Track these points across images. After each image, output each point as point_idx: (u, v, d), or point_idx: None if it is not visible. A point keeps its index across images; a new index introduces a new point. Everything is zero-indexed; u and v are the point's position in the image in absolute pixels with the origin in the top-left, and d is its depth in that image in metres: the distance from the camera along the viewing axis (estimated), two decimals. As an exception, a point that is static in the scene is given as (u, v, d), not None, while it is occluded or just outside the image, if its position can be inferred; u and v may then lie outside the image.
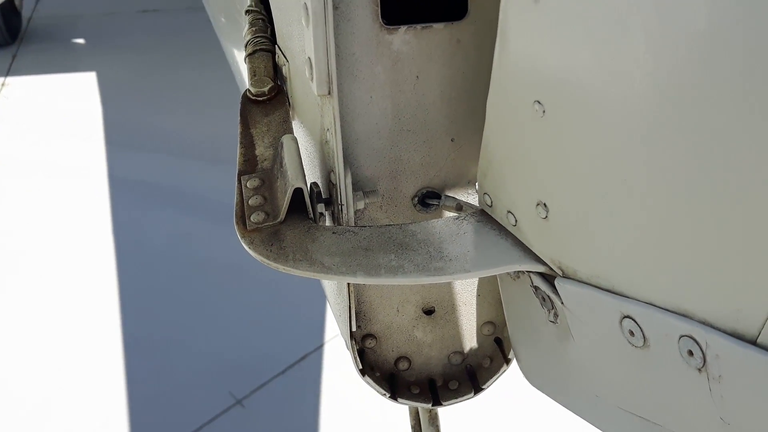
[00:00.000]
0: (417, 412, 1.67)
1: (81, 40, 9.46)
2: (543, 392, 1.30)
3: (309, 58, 1.17)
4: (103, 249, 5.16)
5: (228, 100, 7.15)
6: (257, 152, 1.34)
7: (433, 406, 1.49)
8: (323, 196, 1.31)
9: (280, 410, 3.98)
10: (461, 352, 1.52)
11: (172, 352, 4.26)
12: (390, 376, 1.50)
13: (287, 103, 1.46)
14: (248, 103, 1.45)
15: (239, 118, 1.41)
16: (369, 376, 1.44)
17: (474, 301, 1.48)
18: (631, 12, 0.79)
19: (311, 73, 1.18)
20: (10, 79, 8.11)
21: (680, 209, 0.83)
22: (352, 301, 1.35)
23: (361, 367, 1.43)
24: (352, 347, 1.41)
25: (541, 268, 1.10)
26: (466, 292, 1.48)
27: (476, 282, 1.46)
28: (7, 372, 4.13)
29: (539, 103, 0.95)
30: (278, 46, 1.50)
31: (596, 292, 0.99)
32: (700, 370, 0.87)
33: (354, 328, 1.38)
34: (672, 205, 0.84)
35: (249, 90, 1.46)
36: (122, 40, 9.41)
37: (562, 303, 1.07)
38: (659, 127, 0.82)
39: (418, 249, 1.13)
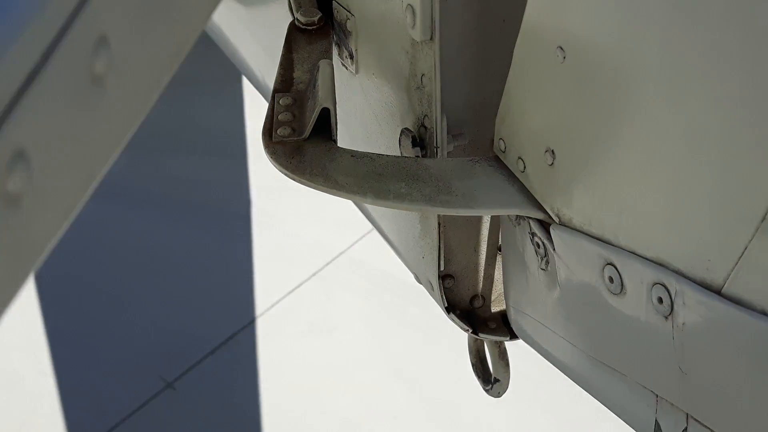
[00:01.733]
0: (478, 351, 1.70)
1: None
2: (522, 339, 1.36)
3: (410, 5, 1.22)
4: None
5: None
6: (295, 75, 1.41)
7: (511, 339, 1.53)
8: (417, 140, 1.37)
9: (212, 391, 4.00)
10: None
11: (96, 340, 4.22)
12: (467, 313, 1.55)
13: (331, 36, 1.52)
14: (295, 30, 1.51)
15: (284, 44, 1.48)
16: (452, 312, 1.50)
17: None
18: None
19: (414, 20, 1.23)
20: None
21: (668, 165, 0.89)
22: (442, 242, 1.41)
23: (446, 305, 1.48)
24: (440, 286, 1.46)
25: (540, 215, 1.15)
26: None
27: (499, 222, 1.50)
28: None
29: (561, 48, 1.00)
30: (336, 2, 1.55)
31: (585, 240, 1.05)
32: (666, 317, 0.92)
33: (443, 267, 1.43)
34: (658, 160, 0.90)
35: (298, 19, 1.52)
36: None
37: (554, 249, 1.12)
38: (665, 86, 0.87)
39: (429, 181, 1.19)
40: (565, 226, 1.09)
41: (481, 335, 1.52)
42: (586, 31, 0.96)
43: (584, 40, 0.97)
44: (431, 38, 1.23)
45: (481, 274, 1.52)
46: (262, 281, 4.64)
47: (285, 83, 1.39)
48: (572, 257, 1.09)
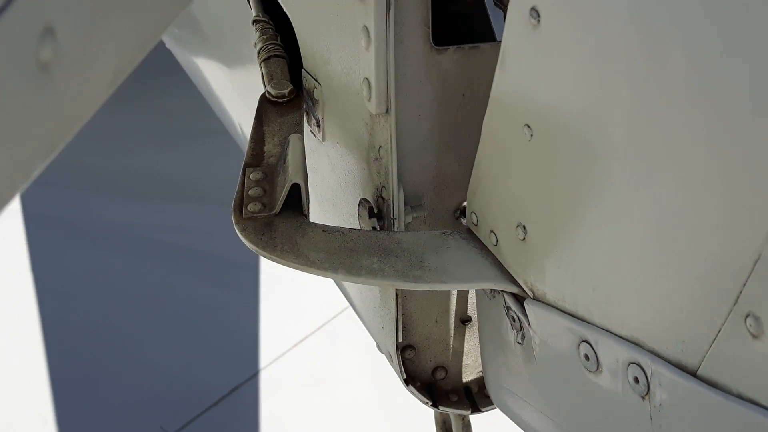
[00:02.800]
0: (443, 422, 1.69)
1: None
2: (502, 411, 1.34)
3: (367, 78, 1.24)
4: (21, 287, 5.02)
5: (141, 135, 7.09)
6: (266, 148, 1.40)
7: (472, 412, 1.52)
8: (375, 211, 1.37)
9: None
10: None
11: (100, 389, 4.20)
12: (428, 385, 1.54)
13: (302, 108, 1.53)
14: (266, 103, 1.52)
15: (255, 116, 1.48)
16: (412, 384, 1.48)
17: None
18: (621, 47, 0.84)
19: (369, 94, 1.24)
20: None
21: (639, 243, 0.88)
22: (400, 313, 1.40)
23: (405, 377, 1.47)
24: (398, 358, 1.45)
25: (514, 289, 1.14)
26: None
27: (474, 296, 1.50)
28: None
29: (528, 126, 1.00)
30: (305, 71, 1.56)
31: (559, 316, 1.03)
32: (643, 397, 0.91)
33: (401, 339, 1.43)
34: (632, 238, 0.89)
35: (269, 92, 1.52)
36: None
37: (529, 324, 1.11)
38: (632, 164, 0.86)
39: (401, 256, 1.18)
40: (539, 301, 1.08)
41: (442, 408, 1.51)
42: (553, 110, 0.96)
43: (551, 119, 0.97)
44: (387, 111, 1.24)
45: (443, 345, 1.51)
46: (267, 333, 4.64)
47: (255, 157, 1.39)
48: (547, 333, 1.07)
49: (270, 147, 1.41)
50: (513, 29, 1.00)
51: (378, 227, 1.36)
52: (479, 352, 1.51)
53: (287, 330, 4.65)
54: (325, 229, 1.24)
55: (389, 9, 1.17)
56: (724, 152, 0.75)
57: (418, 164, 1.32)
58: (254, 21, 1.64)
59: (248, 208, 1.26)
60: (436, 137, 1.31)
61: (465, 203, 1.37)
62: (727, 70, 0.72)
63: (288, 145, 1.33)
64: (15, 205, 6.01)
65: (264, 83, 1.55)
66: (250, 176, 1.33)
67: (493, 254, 1.18)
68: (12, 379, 4.26)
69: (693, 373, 0.84)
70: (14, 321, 4.73)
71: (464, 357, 1.53)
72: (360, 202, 1.40)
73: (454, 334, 1.51)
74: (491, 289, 1.21)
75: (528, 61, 0.99)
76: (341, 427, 4.10)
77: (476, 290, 1.31)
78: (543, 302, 1.08)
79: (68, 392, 4.17)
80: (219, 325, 4.68)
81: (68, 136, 0.79)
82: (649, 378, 0.89)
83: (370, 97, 1.24)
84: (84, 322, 4.68)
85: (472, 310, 1.51)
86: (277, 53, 1.57)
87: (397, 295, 1.37)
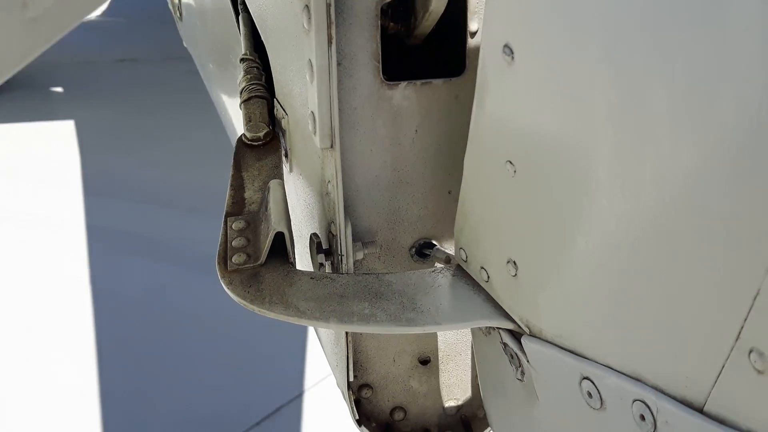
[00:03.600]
0: None
1: (59, 89, 9.49)
2: None
3: (312, 112, 1.21)
4: (78, 299, 5.11)
5: (205, 150, 7.22)
6: (246, 195, 1.38)
7: None
8: (324, 247, 1.34)
9: None
10: (456, 402, 1.53)
11: (145, 404, 4.22)
12: (386, 426, 1.51)
13: (281, 150, 1.50)
14: (243, 147, 1.49)
15: (232, 161, 1.45)
16: (365, 426, 1.45)
17: (469, 351, 1.49)
18: (596, 80, 0.81)
19: (314, 127, 1.21)
20: (-13, 127, 8.14)
21: (637, 279, 0.85)
22: (350, 352, 1.37)
23: (357, 417, 1.44)
24: (349, 397, 1.42)
25: (510, 326, 1.11)
26: (461, 342, 1.49)
27: (470, 331, 1.47)
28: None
29: (511, 163, 0.98)
30: (277, 100, 1.54)
31: (559, 353, 1.01)
32: None
33: (351, 378, 1.40)
34: (629, 275, 0.86)
35: (244, 135, 1.49)
36: (100, 89, 9.44)
37: (528, 361, 1.08)
38: (622, 196, 0.84)
39: (392, 299, 1.15)
40: (536, 337, 1.06)
41: None
42: (534, 146, 0.94)
43: (532, 155, 0.94)
44: (332, 146, 1.21)
45: (402, 385, 1.49)
46: (312, 355, 4.61)
47: (236, 205, 1.36)
48: (547, 370, 1.05)
49: (250, 193, 1.38)
50: (487, 66, 0.98)
51: (326, 263, 1.33)
52: (438, 393, 1.49)
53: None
54: (312, 276, 1.21)
55: (331, 43, 1.14)
56: (718, 186, 0.73)
57: (371, 200, 1.31)
58: (241, 59, 1.62)
59: (233, 260, 1.23)
60: (389, 173, 1.29)
61: (420, 240, 1.35)
62: (708, 94, 0.70)
63: (268, 191, 1.30)
64: (79, 217, 6.20)
65: (243, 126, 1.52)
66: (233, 226, 1.30)
67: (485, 291, 1.15)
68: (62, 388, 4.31)
69: (699, 410, 0.82)
70: (69, 330, 4.79)
71: (424, 398, 1.51)
72: (310, 237, 1.37)
73: (413, 374, 1.49)
74: (486, 326, 1.18)
75: (505, 98, 0.96)
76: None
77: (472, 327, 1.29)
78: (540, 338, 1.05)
79: (115, 405, 4.22)
80: (266, 344, 4.68)
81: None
82: (655, 415, 0.87)
83: (315, 131, 1.22)
84: (136, 335, 4.75)
85: (430, 351, 1.49)
86: (258, 93, 1.54)
87: (347, 333, 1.34)
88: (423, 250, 1.36)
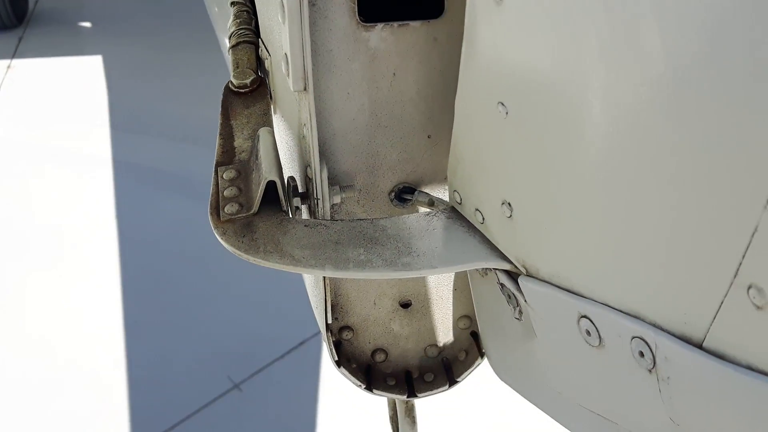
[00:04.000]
0: (394, 404, 1.69)
1: (87, 24, 9.45)
2: (511, 387, 1.32)
3: (285, 54, 1.19)
4: (106, 233, 5.17)
5: None
6: (236, 144, 1.36)
7: (408, 397, 1.51)
8: (300, 190, 1.33)
9: (278, 394, 4.00)
10: (437, 345, 1.54)
11: (172, 337, 4.28)
12: (366, 367, 1.52)
13: (269, 96, 1.48)
14: (230, 94, 1.46)
15: (220, 109, 1.43)
16: (345, 367, 1.46)
17: (450, 295, 1.50)
18: (589, 13, 0.80)
19: (287, 69, 1.19)
20: (16, 62, 8.13)
21: (633, 214, 0.85)
22: (328, 294, 1.37)
23: (336, 358, 1.45)
24: (328, 339, 1.43)
25: (506, 266, 1.11)
26: (442, 286, 1.49)
27: (452, 276, 1.48)
28: (8, 354, 4.16)
29: (502, 104, 0.97)
30: (261, 41, 1.51)
31: (556, 292, 1.01)
32: (650, 371, 0.89)
33: (330, 321, 1.40)
34: (625, 210, 0.86)
35: (231, 81, 1.47)
36: (128, 24, 9.38)
37: (525, 301, 1.08)
38: (617, 132, 0.83)
39: (387, 244, 1.15)
40: (533, 277, 1.06)
41: (376, 392, 1.50)
42: (525, 86, 0.92)
43: (524, 95, 0.93)
44: (305, 89, 1.19)
45: (383, 328, 1.50)
46: None
47: (226, 154, 1.34)
48: (545, 309, 1.05)
49: (240, 142, 1.36)
50: (476, 6, 0.96)
51: (302, 207, 1.33)
52: (420, 337, 1.51)
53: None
54: (306, 223, 1.20)
55: None
56: (714, 117, 0.72)
57: (348, 143, 1.29)
58: (232, 3, 1.58)
59: (225, 210, 1.22)
60: (366, 116, 1.28)
61: (399, 185, 1.34)
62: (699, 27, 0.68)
63: (258, 140, 1.28)
64: (107, 152, 6.22)
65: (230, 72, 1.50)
66: (224, 175, 1.29)
67: (480, 232, 1.15)
68: (88, 321, 4.37)
69: (699, 345, 0.82)
70: (96, 266, 4.84)
71: (405, 341, 1.52)
72: (286, 180, 1.37)
73: (394, 317, 1.50)
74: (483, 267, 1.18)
75: (494, 39, 0.95)
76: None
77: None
78: (537, 278, 1.05)
79: (142, 337, 4.28)
80: (290, 280, 4.69)
81: None
82: (654, 351, 0.87)
83: (288, 74, 1.20)
84: (163, 270, 4.80)
85: (411, 295, 1.50)
86: (246, 39, 1.51)
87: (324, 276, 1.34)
88: (402, 195, 1.36)
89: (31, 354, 4.15)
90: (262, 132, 1.29)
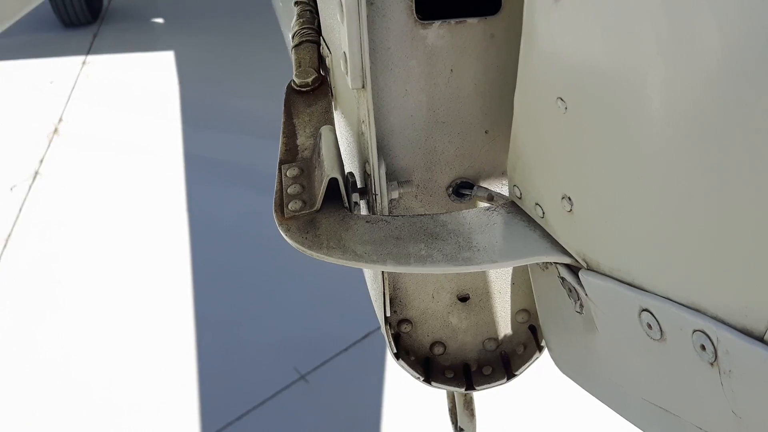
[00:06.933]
0: (453, 396, 1.71)
1: (159, 20, 9.64)
2: (572, 379, 1.32)
3: (344, 52, 1.21)
4: (177, 225, 5.29)
5: None
6: (298, 142, 1.39)
7: (466, 390, 1.53)
8: (359, 186, 1.35)
9: (343, 386, 4.06)
10: (495, 339, 1.56)
11: (240, 328, 4.37)
12: (425, 360, 1.54)
13: (330, 94, 1.50)
14: (292, 93, 1.50)
15: (283, 108, 1.46)
16: (404, 359, 1.49)
17: (508, 289, 1.51)
18: (649, 10, 0.80)
19: (346, 67, 1.21)
20: (91, 58, 8.35)
21: (695, 208, 0.85)
22: (387, 288, 1.39)
23: (395, 351, 1.47)
24: (387, 332, 1.45)
25: (567, 260, 1.12)
26: (500, 280, 1.50)
27: (510, 270, 1.48)
28: (79, 341, 4.30)
29: (562, 99, 0.97)
30: (323, 39, 1.54)
31: (617, 285, 1.01)
32: (712, 364, 0.89)
33: (389, 314, 1.42)
34: (687, 204, 0.86)
35: (293, 81, 1.50)
36: (200, 20, 9.55)
37: (586, 294, 1.09)
38: (677, 126, 0.83)
39: (448, 239, 1.16)
40: (593, 271, 1.06)
41: (434, 384, 1.51)
42: (584, 82, 0.93)
43: (583, 91, 0.93)
44: (363, 86, 1.21)
45: (441, 321, 1.51)
46: None
47: (290, 152, 1.37)
48: (606, 303, 1.05)
49: (303, 140, 1.39)
50: (534, 3, 0.97)
51: (360, 202, 1.35)
52: (478, 330, 1.51)
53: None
54: (368, 219, 1.23)
55: None
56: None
57: (406, 139, 1.31)
58: (295, 2, 1.61)
59: (289, 207, 1.25)
60: (424, 113, 1.29)
61: (458, 180, 1.35)
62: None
63: (320, 137, 1.31)
64: (177, 145, 6.39)
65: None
66: (287, 173, 1.32)
67: (540, 226, 1.15)
68: (157, 311, 4.50)
69: (760, 338, 0.82)
70: (167, 258, 4.98)
71: (463, 334, 1.53)
72: (345, 175, 1.39)
73: (453, 311, 1.51)
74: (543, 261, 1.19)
75: (553, 36, 0.95)
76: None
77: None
78: (598, 272, 1.05)
79: (210, 328, 4.39)
80: (355, 274, 4.75)
81: None
82: (715, 345, 0.87)
83: (347, 72, 1.22)
84: (232, 262, 4.89)
85: (469, 289, 1.50)
86: (309, 38, 1.54)
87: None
88: (460, 190, 1.37)
89: (102, 343, 4.28)
90: (324, 130, 1.32)
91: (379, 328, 4.30)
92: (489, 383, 1.53)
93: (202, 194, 5.66)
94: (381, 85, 1.24)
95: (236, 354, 4.21)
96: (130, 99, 7.33)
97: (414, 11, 1.20)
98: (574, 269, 1.12)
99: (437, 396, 3.87)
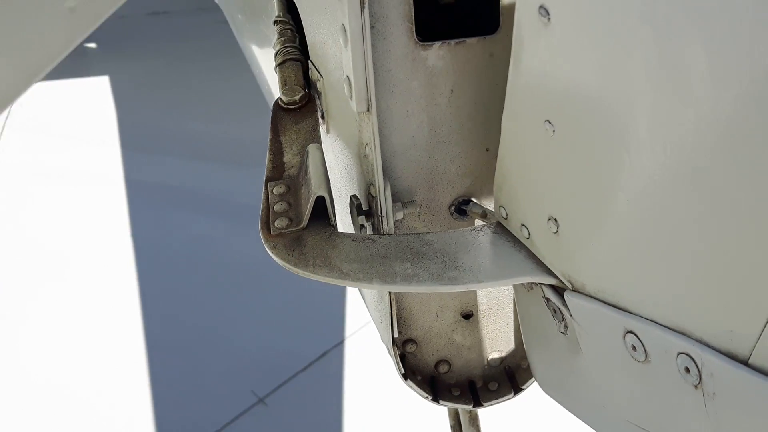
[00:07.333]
0: (456, 413, 1.71)
1: (92, 44, 9.53)
2: (555, 400, 1.33)
3: (348, 76, 1.22)
4: (123, 252, 5.19)
5: (240, 101, 7.24)
6: (285, 159, 1.39)
7: (474, 407, 1.53)
8: (363, 208, 1.36)
9: (302, 407, 4.03)
10: (500, 354, 1.56)
11: (194, 353, 4.32)
12: (431, 379, 1.54)
13: (317, 112, 1.51)
14: (279, 111, 1.50)
15: (270, 126, 1.46)
16: (411, 379, 1.49)
17: (511, 305, 1.52)
18: (637, 35, 0.81)
19: (350, 92, 1.22)
20: (21, 86, 8.23)
21: (680, 232, 0.86)
22: (394, 308, 1.40)
23: (403, 371, 1.47)
24: (395, 352, 1.45)
25: (552, 281, 1.12)
26: (502, 296, 1.51)
27: (512, 286, 1.49)
28: (33, 375, 4.19)
29: (549, 122, 0.98)
30: (311, 62, 1.55)
31: (602, 307, 1.02)
32: (696, 386, 0.90)
33: (396, 334, 1.42)
34: (672, 227, 0.87)
35: (280, 98, 1.50)
36: (133, 44, 9.48)
37: (571, 316, 1.10)
38: (665, 151, 0.84)
39: (434, 258, 1.17)
40: (578, 292, 1.07)
41: (442, 402, 1.51)
42: (572, 105, 0.94)
43: (571, 114, 0.95)
44: (368, 110, 1.22)
45: (446, 339, 1.51)
46: (354, 301, 4.72)
47: (276, 170, 1.38)
48: (590, 324, 1.06)
49: (289, 157, 1.40)
50: (523, 27, 0.98)
51: (366, 224, 1.36)
52: (482, 346, 1.52)
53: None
54: (354, 238, 1.23)
55: (363, 7, 1.14)
56: (761, 138, 0.73)
57: (409, 160, 1.32)
58: (275, 21, 1.62)
59: (275, 224, 1.25)
60: (426, 133, 1.30)
61: (460, 198, 1.36)
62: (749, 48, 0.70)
63: (307, 155, 1.31)
64: (118, 171, 6.28)
65: (279, 89, 1.53)
66: (273, 190, 1.32)
67: (526, 247, 1.16)
68: (108, 339, 4.42)
69: (744, 362, 0.83)
70: (116, 283, 4.90)
71: (468, 351, 1.54)
72: (350, 198, 1.39)
73: (456, 328, 1.51)
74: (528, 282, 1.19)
75: (542, 58, 0.96)
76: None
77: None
78: (583, 293, 1.06)
79: (163, 355, 4.32)
80: (309, 293, 4.74)
81: None
82: (699, 367, 0.88)
83: (351, 96, 1.23)
84: (180, 287, 4.85)
85: (472, 306, 1.51)
86: (293, 56, 1.55)
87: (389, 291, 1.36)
88: (462, 207, 1.38)
89: (53, 375, 4.17)
90: (311, 148, 1.32)
91: (335, 345, 4.31)
92: (496, 399, 1.53)
93: (147, 220, 5.58)
94: (383, 107, 1.25)
95: (191, 380, 4.15)
96: (67, 126, 7.22)
97: (414, 33, 1.22)
98: (559, 290, 1.13)
99: (400, 414, 3.86)
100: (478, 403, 1.53)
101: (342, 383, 4.17)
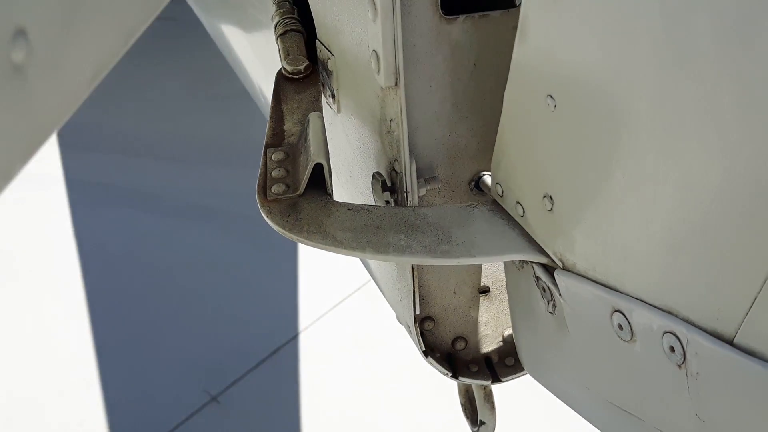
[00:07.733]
0: (467, 391, 1.70)
1: None
2: (536, 379, 1.34)
3: (375, 51, 1.22)
4: (63, 252, 5.08)
5: (179, 98, 7.16)
6: (285, 127, 1.40)
7: (492, 382, 1.53)
8: (387, 185, 1.36)
9: (256, 404, 4.01)
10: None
11: (143, 353, 4.27)
12: (448, 356, 1.54)
13: (319, 84, 1.51)
14: (282, 80, 1.50)
15: (272, 94, 1.47)
16: (431, 356, 1.48)
17: None
18: (643, 12, 0.82)
19: (378, 66, 1.22)
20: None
21: (671, 211, 0.87)
22: (416, 286, 1.40)
23: (424, 348, 1.47)
24: (416, 330, 1.45)
25: (543, 260, 1.13)
26: None
27: (503, 265, 1.49)
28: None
29: (551, 97, 0.99)
30: (319, 41, 1.55)
31: (591, 286, 1.03)
32: (680, 366, 0.90)
33: (418, 311, 1.43)
34: (663, 208, 0.88)
35: (284, 68, 1.51)
36: None
37: (560, 294, 1.10)
38: (665, 128, 0.85)
39: (428, 231, 1.18)
40: (569, 271, 1.08)
41: (461, 379, 1.51)
42: (575, 80, 0.94)
43: (574, 89, 0.95)
44: (396, 84, 1.22)
45: (463, 316, 1.51)
46: (306, 296, 4.70)
47: (276, 137, 1.38)
48: (579, 303, 1.07)
49: (290, 126, 1.40)
50: (530, 1, 0.98)
51: (391, 201, 1.35)
52: (498, 322, 1.52)
53: (326, 292, 4.71)
54: (350, 207, 1.24)
55: None
56: (754, 114, 0.74)
57: (431, 136, 1.31)
58: None
59: (272, 189, 1.26)
60: (449, 108, 1.30)
61: (480, 174, 1.36)
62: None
63: (308, 124, 1.32)
64: (56, 170, 6.12)
65: (281, 59, 1.53)
66: (272, 157, 1.33)
67: (520, 225, 1.17)
68: (56, 342, 4.35)
69: (729, 342, 0.83)
70: (58, 286, 4.81)
71: (484, 327, 1.53)
72: (373, 175, 1.39)
73: (473, 304, 1.51)
74: (520, 260, 1.20)
75: (548, 32, 0.97)
76: (381, 387, 4.14)
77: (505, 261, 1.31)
78: (573, 272, 1.07)
79: (112, 357, 4.26)
80: (258, 288, 4.71)
81: (47, 136, 0.79)
82: (684, 347, 0.89)
83: (379, 70, 1.23)
84: (125, 286, 4.77)
85: (489, 281, 1.51)
86: (293, 27, 1.55)
87: (413, 267, 1.36)
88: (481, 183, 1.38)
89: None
90: (312, 116, 1.33)
91: (287, 341, 4.28)
92: (514, 374, 1.52)
93: (86, 219, 5.46)
94: (407, 82, 1.25)
95: (142, 380, 4.12)
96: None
97: (439, 7, 1.22)
98: (549, 269, 1.13)
99: (354, 406, 3.85)
100: (496, 379, 1.53)
101: (296, 379, 4.15)
